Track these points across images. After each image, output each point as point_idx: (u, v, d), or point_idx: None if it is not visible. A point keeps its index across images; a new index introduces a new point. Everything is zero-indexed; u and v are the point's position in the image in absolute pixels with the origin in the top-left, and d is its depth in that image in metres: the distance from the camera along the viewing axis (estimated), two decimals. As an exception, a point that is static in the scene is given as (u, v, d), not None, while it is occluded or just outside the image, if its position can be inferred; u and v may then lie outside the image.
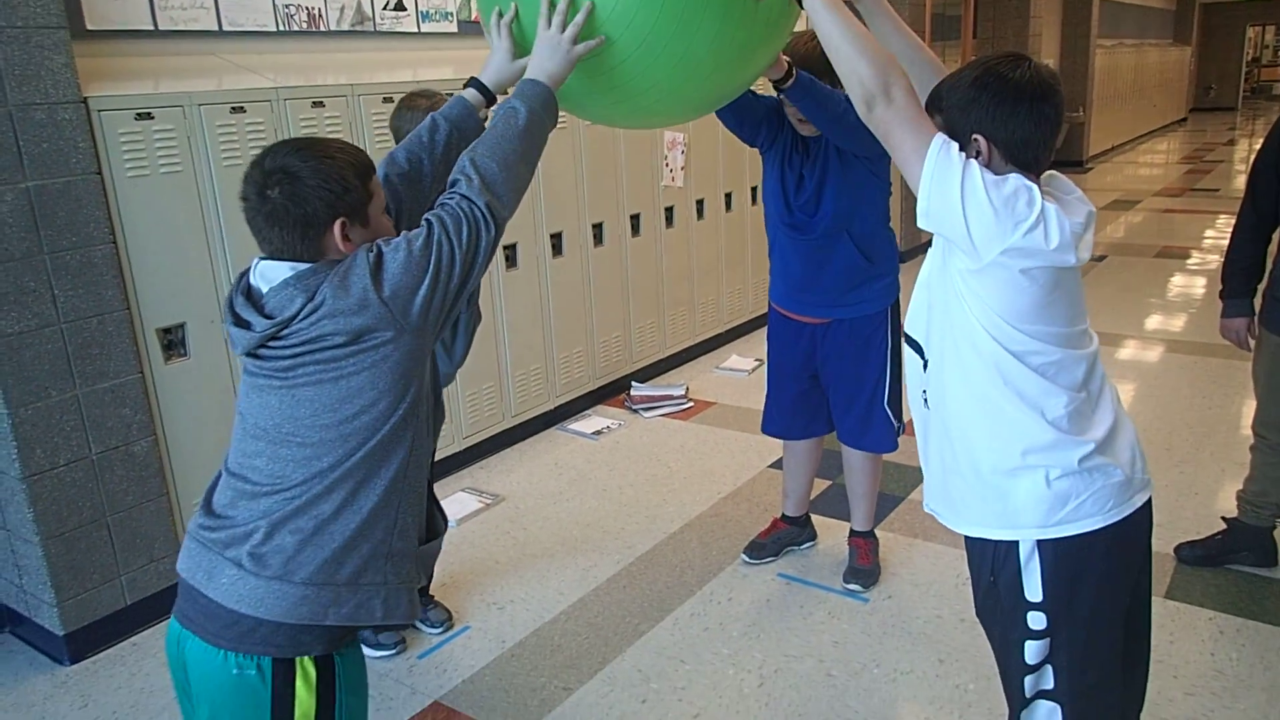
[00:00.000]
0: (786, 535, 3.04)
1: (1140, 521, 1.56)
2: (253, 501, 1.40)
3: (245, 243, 2.90)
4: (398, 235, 1.45)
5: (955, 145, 1.42)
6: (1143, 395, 4.35)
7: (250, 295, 1.43)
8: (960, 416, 1.55)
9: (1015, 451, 1.49)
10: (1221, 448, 3.68)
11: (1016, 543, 1.53)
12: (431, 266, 1.40)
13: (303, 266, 1.41)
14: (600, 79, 1.70)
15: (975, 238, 1.40)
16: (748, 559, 2.99)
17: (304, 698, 1.38)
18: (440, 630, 2.71)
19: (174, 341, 2.83)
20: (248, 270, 1.46)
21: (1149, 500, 1.57)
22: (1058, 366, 1.49)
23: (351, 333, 1.36)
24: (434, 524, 1.61)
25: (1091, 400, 1.53)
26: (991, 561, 1.57)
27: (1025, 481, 1.50)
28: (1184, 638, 2.54)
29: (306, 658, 1.38)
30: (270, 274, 1.41)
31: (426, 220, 1.44)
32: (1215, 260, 5.88)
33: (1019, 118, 1.44)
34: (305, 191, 1.38)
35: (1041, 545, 1.51)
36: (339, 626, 1.39)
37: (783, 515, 3.06)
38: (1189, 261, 6.94)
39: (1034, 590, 1.53)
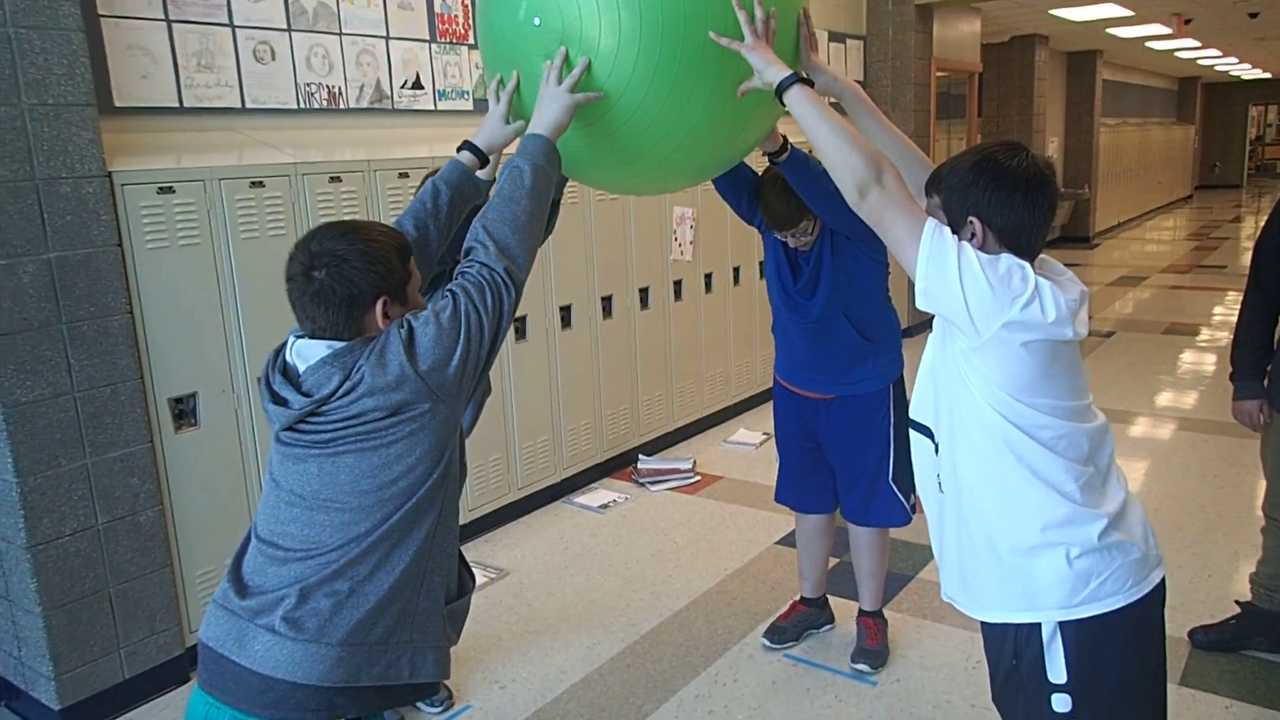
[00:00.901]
0: (806, 618, 2.99)
1: (1157, 599, 1.55)
2: (283, 567, 1.42)
3: (259, 313, 2.96)
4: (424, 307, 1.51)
5: (947, 229, 1.47)
6: (1153, 473, 4.32)
7: (287, 373, 1.48)
8: (975, 497, 1.55)
9: (1034, 528, 1.50)
10: (1234, 528, 3.64)
11: (1039, 624, 1.52)
12: (462, 337, 1.45)
13: (339, 345, 1.46)
14: (601, 143, 1.79)
15: (974, 314, 1.44)
16: (769, 644, 2.94)
17: None
18: (440, 710, 2.66)
19: (185, 411, 2.86)
20: (283, 347, 1.52)
21: (1164, 578, 1.56)
22: (1065, 440, 1.50)
23: (391, 407, 1.41)
24: (463, 583, 1.62)
25: (1101, 474, 1.55)
26: (1014, 644, 1.56)
27: (1046, 561, 1.49)
28: (1201, 728, 2.48)
29: None
30: (307, 352, 1.47)
31: (451, 292, 1.49)
32: (1224, 336, 5.90)
33: (1014, 204, 1.49)
34: (351, 273, 1.45)
35: (1064, 626, 1.50)
36: (371, 689, 1.41)
37: (801, 597, 3.02)
38: (1198, 338, 6.95)
39: (1058, 672, 1.51)
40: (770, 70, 1.65)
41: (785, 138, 2.29)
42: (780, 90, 1.64)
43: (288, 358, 1.50)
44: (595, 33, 1.66)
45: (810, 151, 2.38)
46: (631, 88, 1.69)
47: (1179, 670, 2.72)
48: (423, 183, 2.11)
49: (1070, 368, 1.53)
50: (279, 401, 1.46)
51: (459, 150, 1.85)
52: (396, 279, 1.50)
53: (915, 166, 1.78)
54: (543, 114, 1.69)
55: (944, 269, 1.44)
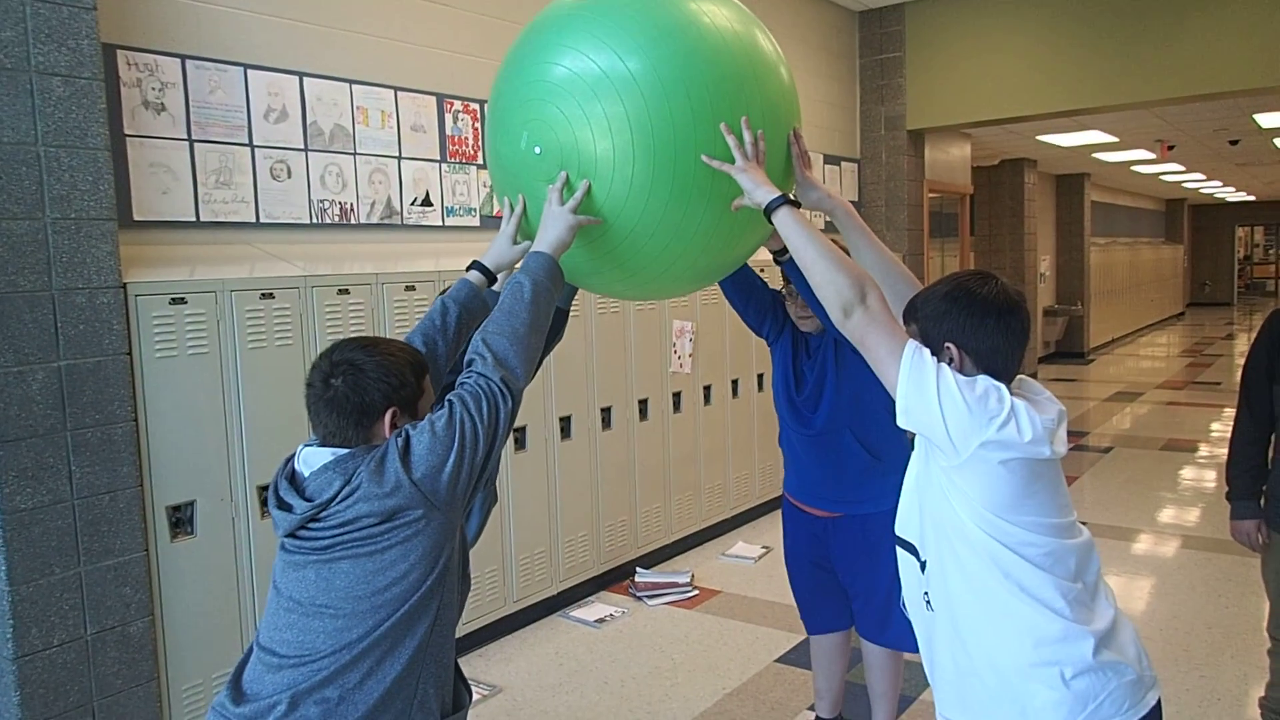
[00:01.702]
0: None
1: None
2: (278, 674, 1.43)
3: (262, 422, 2.99)
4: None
5: (927, 350, 1.52)
6: (1158, 592, 4.26)
7: (294, 480, 1.53)
8: (968, 616, 1.55)
9: (1026, 645, 1.49)
10: (1242, 650, 3.57)
11: None
12: (456, 444, 1.49)
13: (342, 452, 1.50)
14: (603, 255, 1.87)
15: (953, 434, 1.47)
16: None
17: None
18: (428, 834, 2.56)
19: (182, 519, 2.85)
20: (293, 457, 1.57)
21: (1160, 700, 1.55)
22: (1052, 557, 1.51)
23: (385, 513, 1.44)
24: (458, 697, 1.60)
25: (1089, 591, 1.55)
26: None
27: (1043, 682, 1.48)
28: None
29: None
30: (313, 459, 1.52)
31: (448, 401, 1.54)
32: (1222, 452, 5.97)
33: (987, 329, 1.55)
34: (366, 383, 1.52)
35: None
36: None
37: (817, 718, 2.94)
38: (1196, 454, 6.96)
39: None
40: (759, 191, 1.73)
41: None
42: (768, 211, 1.72)
43: (296, 465, 1.55)
44: (592, 158, 1.76)
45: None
46: (629, 206, 1.78)
47: (1192, 801, 2.63)
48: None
49: (1052, 485, 1.55)
50: (283, 507, 1.50)
51: (468, 270, 1.93)
52: (409, 393, 1.56)
53: (902, 284, 1.84)
54: (546, 233, 1.77)
55: (923, 389, 1.49)
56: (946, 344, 1.55)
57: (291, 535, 1.49)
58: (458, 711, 1.57)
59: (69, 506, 2.56)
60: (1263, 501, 2.76)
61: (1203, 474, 6.40)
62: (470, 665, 3.66)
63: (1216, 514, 5.31)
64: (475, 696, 3.37)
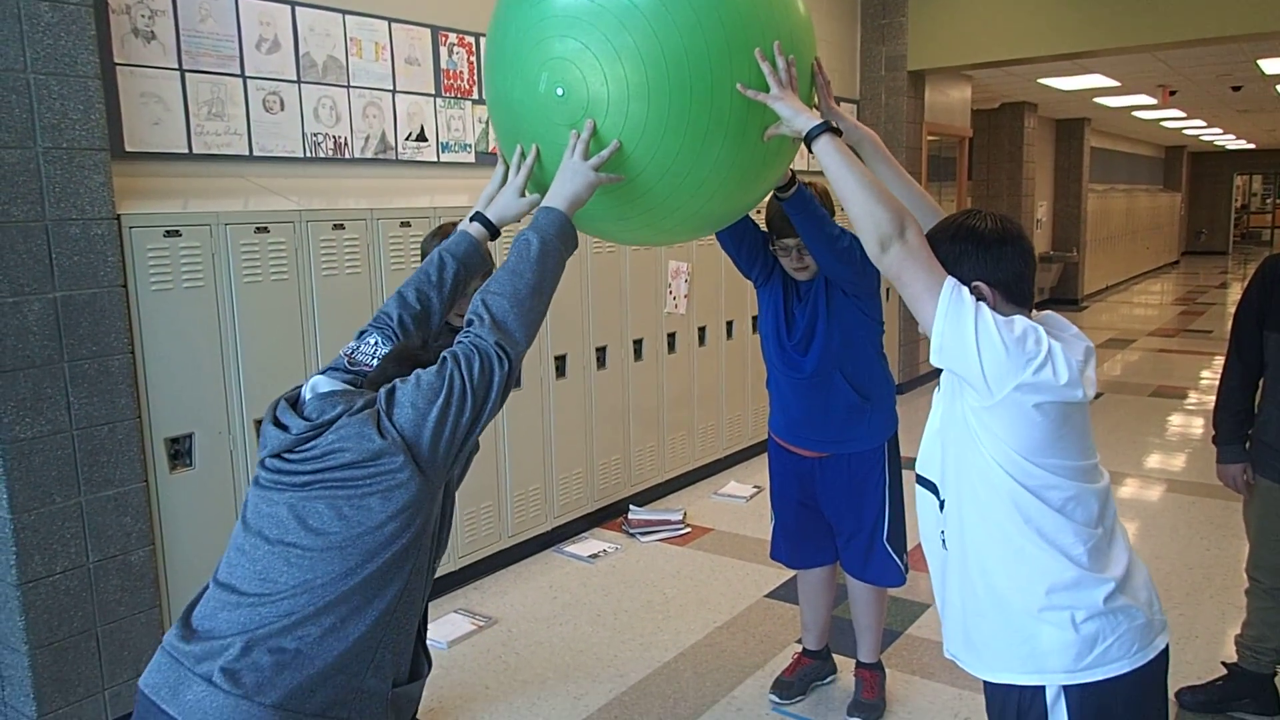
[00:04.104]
0: (812, 671, 2.98)
1: (1161, 665, 1.56)
2: (235, 612, 1.37)
3: (258, 356, 3.00)
4: None
5: (965, 288, 1.50)
6: (1142, 534, 4.34)
7: (295, 405, 1.50)
8: (982, 556, 1.56)
9: (1039, 590, 1.51)
10: (1221, 590, 3.66)
11: (1043, 687, 1.52)
12: (442, 398, 1.43)
13: (352, 387, 1.49)
14: (622, 202, 1.79)
15: (988, 375, 1.46)
16: (777, 699, 2.91)
17: None
18: (426, 757, 2.64)
19: (180, 451, 2.87)
20: (301, 384, 1.54)
21: (1168, 644, 1.57)
22: (1074, 502, 1.52)
23: (367, 455, 1.39)
24: (416, 667, 1.54)
25: (1108, 536, 1.56)
26: (1017, 706, 1.56)
27: (1052, 624, 1.50)
28: (1188, 789, 2.47)
29: None
30: (320, 386, 1.50)
31: (442, 357, 1.50)
32: (1211, 400, 6.02)
33: (1007, 257, 1.54)
34: (429, 348, 1.55)
35: (1068, 690, 1.51)
36: None
37: (804, 650, 3.01)
38: (1185, 401, 7.02)
39: None
40: (800, 119, 1.66)
41: (794, 173, 2.30)
42: (809, 139, 1.65)
43: (303, 392, 1.51)
44: (623, 97, 1.63)
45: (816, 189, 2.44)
46: (652, 149, 1.68)
47: (1166, 731, 2.71)
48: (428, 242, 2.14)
49: (1079, 428, 1.55)
50: (279, 426, 1.46)
51: (469, 221, 1.84)
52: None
53: (928, 214, 1.80)
54: (563, 187, 1.66)
55: (961, 328, 1.47)
56: (975, 283, 1.53)
57: (275, 458, 1.44)
58: (414, 681, 1.51)
59: (68, 437, 2.58)
60: (1248, 445, 2.80)
61: (1190, 420, 6.47)
62: (466, 597, 3.73)
63: (1202, 459, 5.38)
64: (470, 628, 3.44)
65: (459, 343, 1.52)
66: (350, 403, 1.44)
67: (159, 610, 2.80)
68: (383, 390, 1.46)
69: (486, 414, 1.48)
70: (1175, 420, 6.50)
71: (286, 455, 1.43)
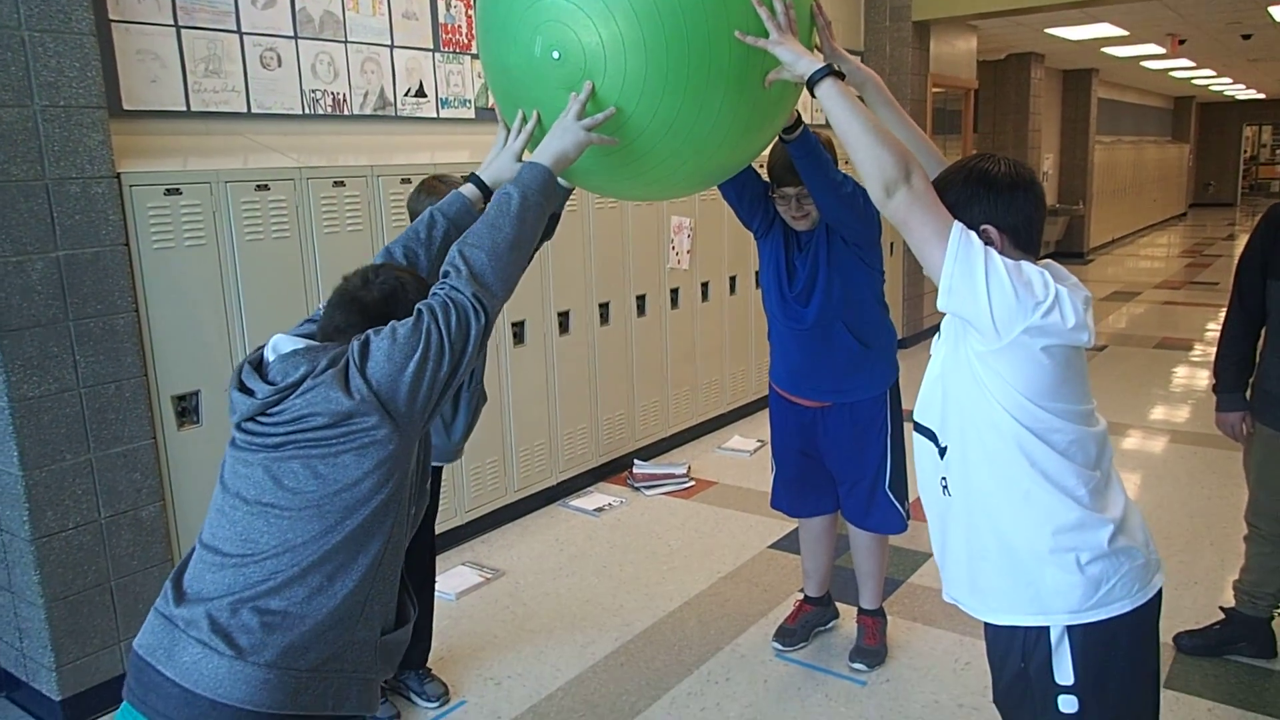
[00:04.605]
0: (814, 617, 3.03)
1: (1158, 603, 1.59)
2: (219, 573, 1.37)
3: (262, 314, 3.01)
4: None
5: (973, 232, 1.50)
6: (1144, 484, 4.37)
7: (259, 367, 1.47)
8: (987, 501, 1.57)
9: (1045, 532, 1.52)
10: (1221, 537, 3.69)
11: (1047, 628, 1.55)
12: (419, 353, 1.41)
13: (314, 343, 1.45)
14: (624, 165, 1.78)
15: (997, 318, 1.46)
16: (780, 647, 2.97)
17: None
18: (436, 705, 2.70)
19: (187, 409, 2.90)
20: (263, 346, 1.51)
21: (1162, 584, 1.60)
22: (1076, 445, 1.53)
23: (338, 415, 1.37)
24: (403, 612, 1.54)
25: (1105, 479, 1.58)
26: (1022, 647, 1.58)
27: (1057, 566, 1.52)
28: (1183, 729, 2.52)
29: None
30: (282, 346, 1.46)
31: (417, 309, 1.46)
32: (1215, 351, 6.05)
33: (1019, 201, 1.54)
34: (401, 299, 1.50)
35: (1072, 630, 1.53)
36: (296, 718, 1.34)
37: (805, 597, 3.06)
38: (1190, 353, 7.02)
39: (1065, 674, 1.54)
40: (801, 63, 1.63)
41: (798, 114, 2.28)
42: (812, 83, 1.63)
43: (265, 353, 1.48)
44: (619, 52, 1.62)
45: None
46: (657, 107, 1.66)
47: (1164, 673, 2.76)
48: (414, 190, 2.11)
49: (1080, 372, 1.56)
50: (245, 391, 1.43)
51: (465, 182, 1.83)
52: None
53: (933, 163, 1.79)
54: (551, 144, 1.66)
55: (971, 271, 1.46)
56: (984, 226, 1.52)
57: (248, 420, 1.42)
58: (401, 626, 1.52)
59: (76, 395, 2.61)
60: (1249, 394, 2.81)
61: (1195, 372, 6.47)
62: (474, 550, 3.78)
63: (1205, 410, 5.39)
64: (477, 580, 3.49)
65: (434, 294, 1.49)
66: (314, 362, 1.40)
67: (170, 564, 2.85)
68: (355, 342, 1.42)
69: (464, 366, 1.47)
70: (1179, 372, 6.50)
71: (257, 419, 1.42)
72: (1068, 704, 1.55)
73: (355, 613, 1.39)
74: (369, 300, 1.48)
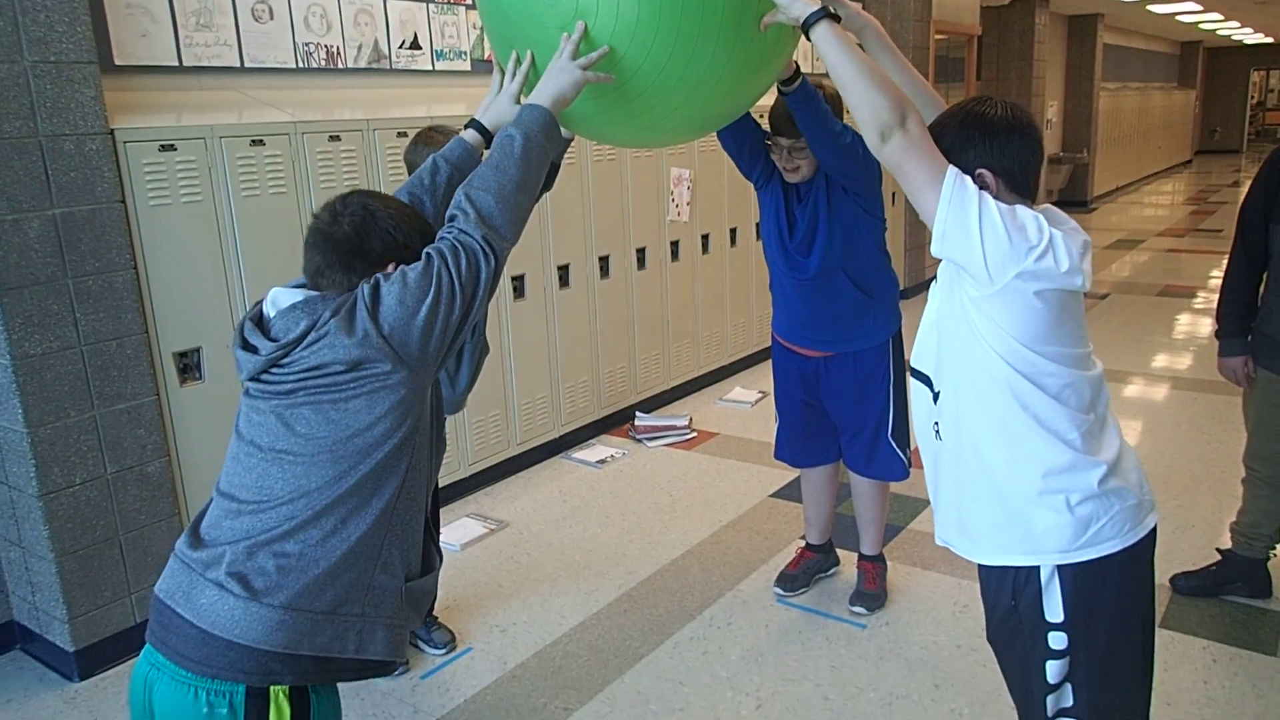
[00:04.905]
0: (815, 564, 3.07)
1: (1150, 543, 1.60)
2: (235, 520, 1.39)
3: (260, 269, 3.01)
4: None
5: (968, 177, 1.49)
6: (1144, 430, 4.39)
7: (260, 323, 1.47)
8: (978, 445, 1.59)
9: (1035, 475, 1.54)
10: (1219, 482, 3.71)
11: (1038, 567, 1.57)
12: (430, 298, 1.41)
13: (313, 294, 1.45)
14: (619, 108, 1.77)
15: (990, 263, 1.46)
16: (781, 592, 3.01)
17: None
18: (443, 651, 2.75)
19: (189, 365, 2.91)
20: (261, 300, 1.51)
21: (1156, 524, 1.61)
22: (1070, 388, 1.54)
23: (350, 362, 1.38)
24: (428, 561, 1.55)
25: (1100, 422, 1.59)
26: (1012, 586, 1.60)
27: (1047, 507, 1.54)
28: (1178, 666, 2.56)
29: (281, 695, 1.35)
30: (280, 300, 1.46)
31: (426, 254, 1.46)
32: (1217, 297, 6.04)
33: (1015, 146, 1.53)
34: (373, 228, 1.46)
35: (1062, 569, 1.55)
36: (310, 658, 1.37)
37: (807, 544, 3.09)
38: (1193, 300, 7.00)
39: (1055, 612, 1.57)
40: (796, 5, 1.61)
41: (797, 65, 2.26)
42: (807, 26, 1.60)
43: (264, 308, 1.49)
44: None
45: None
46: (650, 49, 1.65)
47: (1160, 613, 2.80)
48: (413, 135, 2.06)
49: (1076, 316, 1.56)
50: (248, 348, 1.44)
51: (465, 128, 1.83)
52: (409, 255, 1.48)
53: (930, 106, 1.77)
54: (548, 85, 1.64)
55: (964, 216, 1.46)
56: (979, 170, 1.52)
57: (255, 380, 1.43)
58: (426, 574, 1.53)
59: (77, 353, 2.62)
60: (1250, 338, 2.81)
61: (1197, 319, 6.46)
62: (477, 502, 3.82)
63: (1207, 357, 5.39)
64: (482, 531, 3.53)
65: (442, 238, 1.48)
66: (315, 314, 1.40)
67: (178, 518, 2.88)
68: (364, 287, 1.42)
69: (475, 309, 1.47)
70: (1182, 319, 6.49)
71: (263, 376, 1.43)
72: (1057, 640, 1.57)
73: (371, 557, 1.41)
74: (341, 235, 1.46)
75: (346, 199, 1.49)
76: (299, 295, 1.45)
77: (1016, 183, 1.55)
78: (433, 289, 1.41)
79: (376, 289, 1.41)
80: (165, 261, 2.82)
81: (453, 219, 1.51)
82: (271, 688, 1.35)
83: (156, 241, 2.80)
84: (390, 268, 1.45)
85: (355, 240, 1.45)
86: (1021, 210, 1.49)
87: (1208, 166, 17.78)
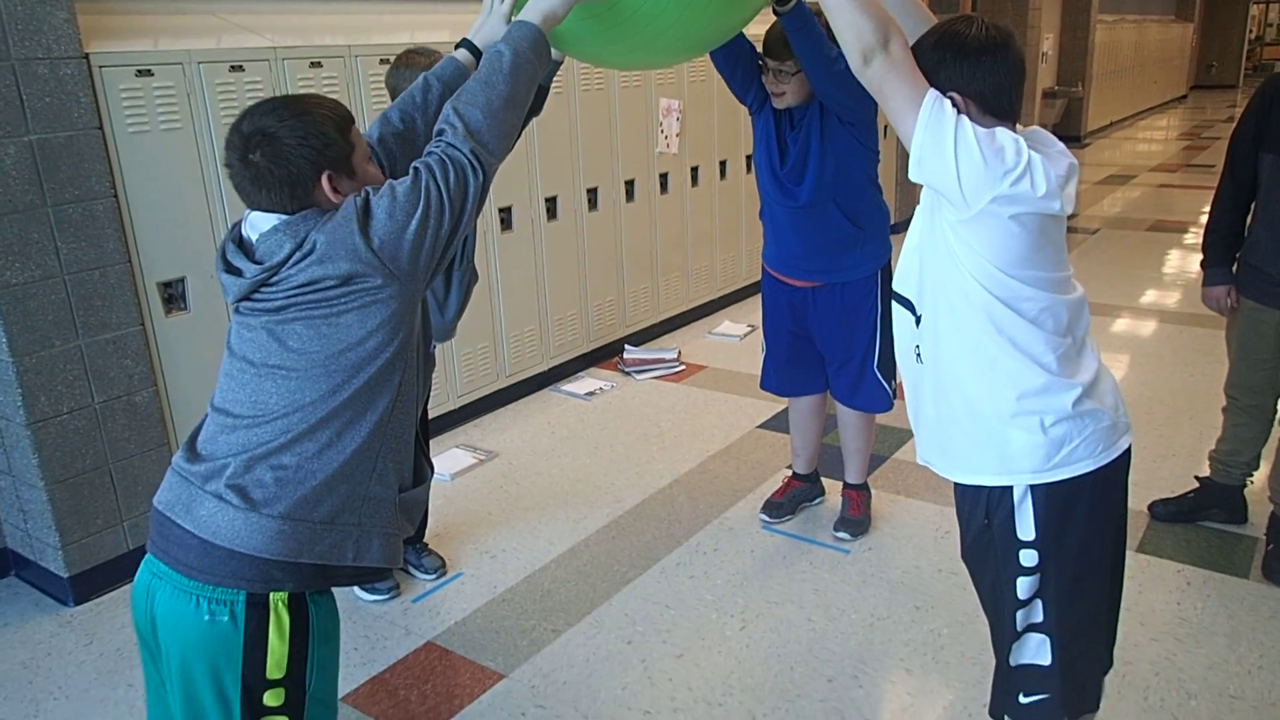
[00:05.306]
0: (801, 493, 3.11)
1: (1124, 463, 1.63)
2: (231, 435, 1.41)
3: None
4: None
5: (948, 101, 1.48)
6: (1127, 363, 4.42)
7: (242, 244, 1.46)
8: (956, 367, 1.61)
9: (1010, 397, 1.55)
10: (1200, 413, 3.76)
11: (1011, 487, 1.60)
12: (420, 211, 1.41)
13: (291, 216, 1.43)
14: (610, 27, 1.74)
15: (965, 187, 1.46)
16: (767, 518, 3.06)
17: (276, 645, 1.38)
18: (434, 576, 2.79)
19: (174, 295, 2.90)
20: (240, 221, 1.50)
21: (1130, 444, 1.64)
22: (1047, 312, 1.55)
23: (341, 277, 1.38)
24: (419, 472, 1.59)
25: (1077, 345, 1.60)
26: (986, 505, 1.64)
27: (1021, 428, 1.56)
28: (1152, 588, 2.62)
29: (280, 604, 1.38)
30: (260, 223, 1.44)
31: (414, 168, 1.45)
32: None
33: (984, 68, 1.51)
34: (286, 151, 1.39)
35: (1035, 488, 1.58)
36: (311, 566, 1.40)
37: (794, 474, 3.13)
38: (1183, 235, 6.99)
39: (1026, 530, 1.60)
40: None
41: None
42: None
43: (243, 230, 1.47)
44: None
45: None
46: None
47: (1137, 539, 2.86)
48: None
49: (1055, 241, 1.56)
50: (232, 271, 1.43)
51: (456, 48, 1.80)
52: (336, 151, 1.43)
53: (921, 24, 1.74)
54: (538, 2, 1.63)
55: (940, 140, 1.45)
56: (950, 93, 1.50)
57: (243, 300, 1.43)
58: (418, 485, 1.57)
59: (60, 282, 2.60)
60: (1235, 268, 2.81)
61: (1186, 254, 6.46)
62: (466, 434, 3.84)
63: (1194, 291, 5.41)
64: (471, 461, 3.56)
65: (429, 153, 1.47)
66: (298, 234, 1.40)
67: (167, 448, 2.89)
68: (354, 200, 1.41)
69: (464, 223, 1.47)
70: (1171, 254, 6.49)
71: (252, 297, 1.42)
72: (1028, 558, 1.61)
73: (366, 468, 1.44)
74: (262, 171, 1.40)
75: (243, 131, 1.42)
76: (276, 219, 1.44)
77: (990, 105, 1.53)
78: (421, 203, 1.41)
79: (366, 204, 1.41)
80: (146, 190, 2.78)
81: (440, 133, 1.50)
82: (271, 595, 1.38)
83: (136, 169, 2.76)
84: (329, 175, 1.42)
85: (280, 171, 1.40)
86: (1001, 133, 1.48)
87: (1203, 102, 17.61)
